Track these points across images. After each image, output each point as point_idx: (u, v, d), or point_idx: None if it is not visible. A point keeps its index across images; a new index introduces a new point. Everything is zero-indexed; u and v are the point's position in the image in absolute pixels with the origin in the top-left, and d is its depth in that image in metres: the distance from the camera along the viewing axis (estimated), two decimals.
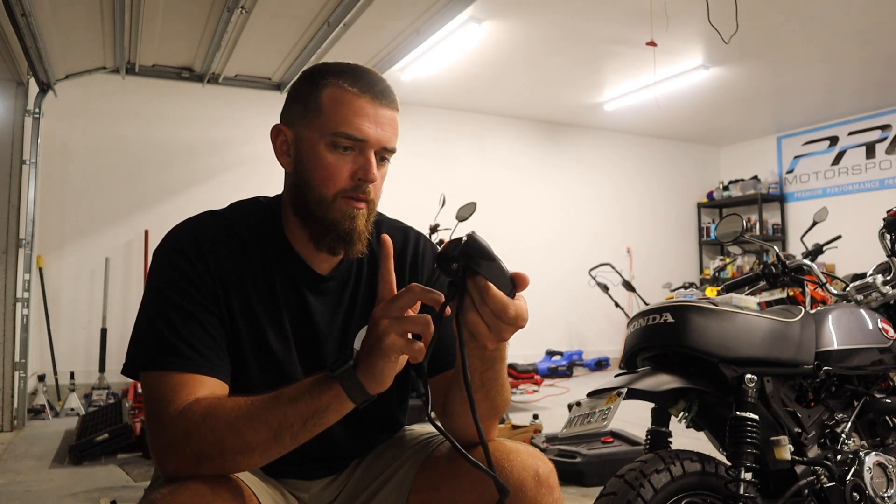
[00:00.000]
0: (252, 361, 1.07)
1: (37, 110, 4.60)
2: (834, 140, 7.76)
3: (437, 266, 0.84)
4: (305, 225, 1.09)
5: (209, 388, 0.97)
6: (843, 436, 1.82)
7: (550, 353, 7.05)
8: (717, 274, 7.84)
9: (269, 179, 6.91)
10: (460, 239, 0.82)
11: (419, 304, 0.89)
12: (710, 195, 8.63)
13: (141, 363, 0.99)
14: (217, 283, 1.04)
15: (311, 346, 1.12)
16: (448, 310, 0.86)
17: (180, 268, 1.02)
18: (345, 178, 1.06)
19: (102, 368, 5.30)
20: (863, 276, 2.21)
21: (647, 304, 1.95)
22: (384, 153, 1.09)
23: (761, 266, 2.26)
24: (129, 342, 1.03)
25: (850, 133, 7.59)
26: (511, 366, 6.43)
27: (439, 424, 0.91)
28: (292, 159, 1.10)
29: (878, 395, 1.95)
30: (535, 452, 1.10)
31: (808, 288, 2.41)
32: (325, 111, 1.05)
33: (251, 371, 1.07)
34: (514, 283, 0.89)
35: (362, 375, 0.87)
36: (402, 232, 1.26)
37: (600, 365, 7.35)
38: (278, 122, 1.13)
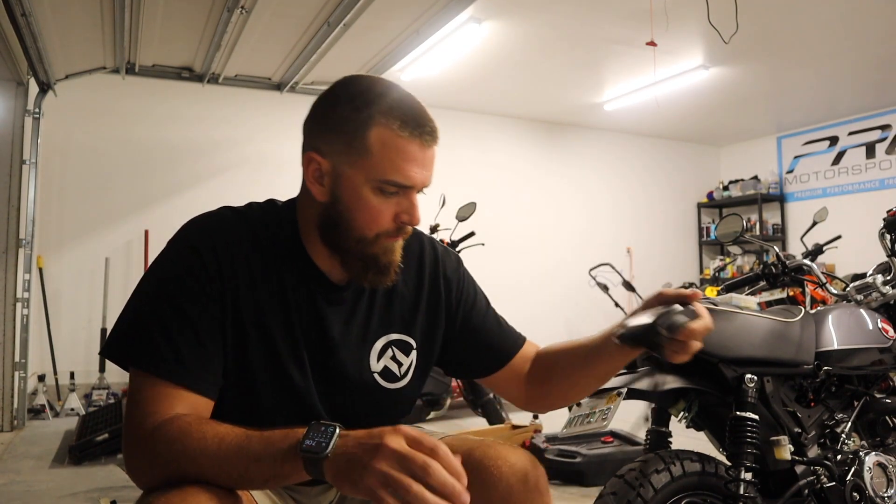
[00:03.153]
0: (260, 365, 1.04)
1: (37, 110, 4.60)
2: (834, 140, 7.76)
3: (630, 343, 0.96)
4: (335, 254, 1.06)
5: (191, 403, 0.94)
6: (843, 436, 1.82)
7: None
8: (717, 274, 7.84)
9: (269, 180, 6.96)
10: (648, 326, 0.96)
11: None
12: (710, 195, 8.63)
13: (127, 356, 0.97)
14: (227, 285, 1.00)
15: (322, 354, 1.08)
16: None
17: (191, 266, 0.99)
18: (388, 221, 1.04)
19: (102, 368, 5.30)
20: (863, 276, 2.21)
21: None
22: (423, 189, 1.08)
23: (761, 266, 2.26)
24: (117, 322, 1.00)
25: (850, 133, 7.59)
26: None
27: None
28: (328, 192, 1.03)
29: (878, 395, 1.95)
30: (525, 456, 1.07)
31: (808, 288, 2.41)
32: (373, 155, 0.99)
33: (258, 375, 1.04)
34: (692, 314, 1.00)
35: (329, 475, 0.81)
36: (414, 237, 1.23)
37: None
38: (312, 150, 1.04)
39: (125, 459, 0.95)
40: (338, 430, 0.83)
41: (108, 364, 5.35)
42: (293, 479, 0.85)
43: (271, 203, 1.13)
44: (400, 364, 1.16)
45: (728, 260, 8.10)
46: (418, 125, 1.02)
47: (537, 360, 1.25)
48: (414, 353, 1.18)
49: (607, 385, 1.68)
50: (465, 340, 1.23)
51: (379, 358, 1.13)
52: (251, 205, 1.12)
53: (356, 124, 0.99)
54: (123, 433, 0.96)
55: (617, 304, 6.69)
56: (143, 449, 0.91)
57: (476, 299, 1.27)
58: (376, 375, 1.13)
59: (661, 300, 1.08)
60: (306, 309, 1.07)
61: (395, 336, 1.15)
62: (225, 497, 0.89)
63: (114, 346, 0.99)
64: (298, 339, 1.06)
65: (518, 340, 1.28)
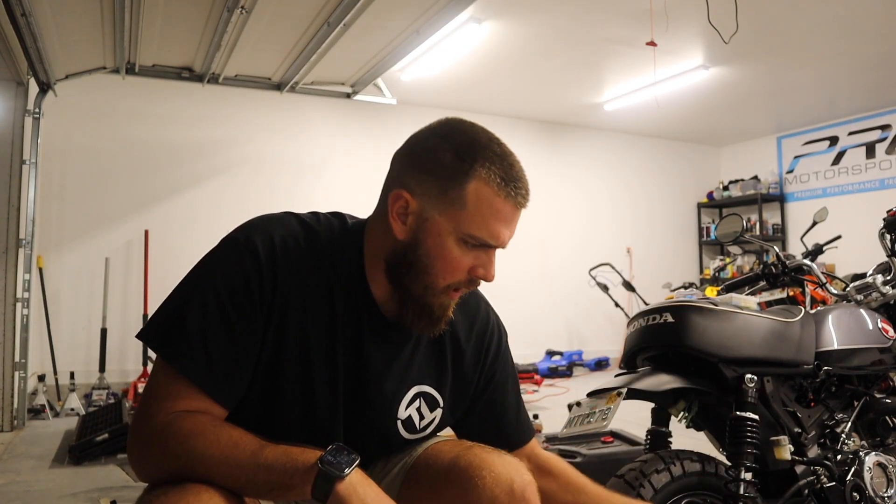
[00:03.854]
0: (292, 383, 1.01)
1: (37, 110, 4.60)
2: (834, 140, 7.76)
3: None
4: (396, 291, 1.03)
5: (207, 408, 0.94)
6: (843, 436, 1.82)
7: (550, 353, 7.05)
8: (717, 274, 7.84)
9: (269, 180, 6.97)
10: None
11: None
12: (710, 195, 8.63)
13: (156, 346, 0.96)
14: (278, 300, 0.98)
15: (357, 387, 1.06)
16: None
17: (244, 269, 0.96)
18: (463, 273, 1.01)
19: (102, 368, 5.30)
20: (863, 276, 2.21)
21: (647, 304, 1.95)
22: None
23: (761, 266, 2.26)
24: (163, 305, 0.99)
25: (850, 133, 7.59)
26: None
27: None
28: (409, 231, 1.00)
29: (878, 395, 1.95)
30: (512, 464, 1.03)
31: (808, 288, 2.41)
32: (467, 208, 0.98)
33: (288, 392, 1.02)
34: None
35: (335, 498, 0.85)
36: (473, 294, 1.21)
37: (600, 365, 7.34)
38: (402, 187, 1.01)
39: (130, 448, 0.95)
40: (358, 460, 0.86)
41: (108, 364, 5.36)
42: (294, 495, 0.87)
43: (340, 220, 1.09)
44: (423, 417, 1.14)
45: (728, 260, 8.10)
46: (516, 187, 1.03)
47: (550, 475, 1.21)
48: (439, 411, 1.15)
49: (607, 385, 1.68)
50: (484, 416, 1.21)
51: (407, 406, 1.11)
52: (318, 217, 1.08)
53: (456, 173, 0.97)
54: (133, 420, 0.96)
55: (617, 304, 6.70)
56: (152, 441, 0.91)
57: (508, 380, 1.25)
58: (399, 423, 1.11)
59: None
60: (352, 337, 1.04)
61: (426, 388, 1.13)
62: (227, 499, 0.90)
63: (152, 330, 0.98)
64: (338, 367, 1.04)
65: (528, 434, 1.26)
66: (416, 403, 1.12)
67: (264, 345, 0.98)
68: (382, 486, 1.11)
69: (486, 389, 1.20)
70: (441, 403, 1.15)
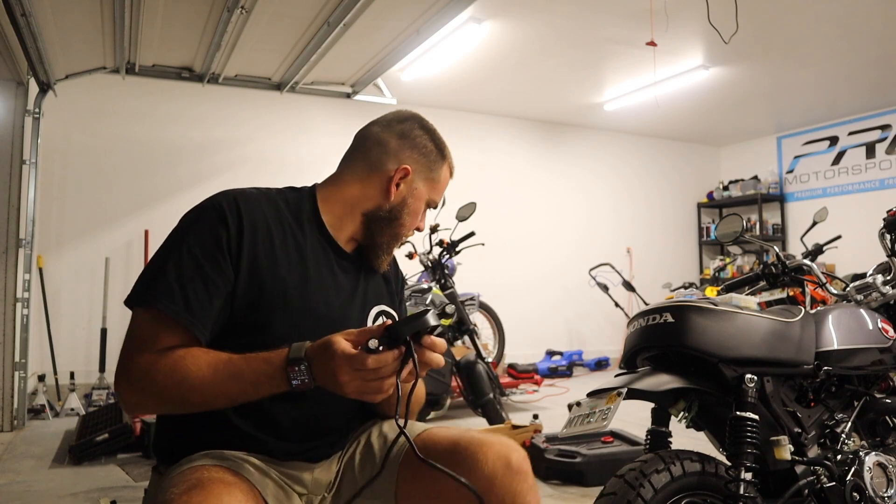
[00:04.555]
0: (273, 310, 1.18)
1: (37, 110, 4.60)
2: (834, 140, 7.76)
3: (388, 339, 0.98)
4: (367, 237, 1.32)
5: (186, 343, 1.09)
6: (843, 436, 1.82)
7: (550, 353, 7.05)
8: (717, 274, 7.84)
9: (269, 179, 6.90)
10: (405, 320, 1.00)
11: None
12: (710, 195, 8.63)
13: (140, 298, 1.11)
14: (246, 244, 1.16)
15: (332, 307, 1.26)
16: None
17: (211, 222, 1.15)
18: (416, 227, 1.38)
19: (102, 368, 5.30)
20: (863, 276, 2.21)
21: (647, 304, 1.96)
22: None
23: (761, 266, 2.26)
24: (140, 276, 1.14)
25: (850, 133, 7.59)
26: (511, 366, 6.43)
27: (412, 442, 1.01)
28: (400, 197, 1.32)
29: (878, 395, 1.95)
30: (507, 442, 1.20)
31: (808, 288, 2.41)
32: (437, 182, 1.38)
33: (270, 319, 1.17)
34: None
35: (318, 380, 1.01)
36: None
37: (600, 365, 7.35)
38: (405, 163, 1.33)
39: (120, 387, 1.07)
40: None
41: (108, 364, 5.36)
42: (276, 383, 1.02)
43: (290, 187, 1.34)
44: None
45: (728, 260, 8.10)
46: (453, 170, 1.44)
47: None
48: None
49: (607, 385, 1.68)
50: None
51: (374, 321, 1.34)
52: (276, 189, 1.32)
53: (437, 158, 1.37)
54: (119, 364, 1.08)
55: (617, 304, 6.70)
56: (141, 377, 1.05)
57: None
58: None
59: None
60: (323, 268, 1.27)
61: (385, 307, 1.38)
62: (241, 493, 1.00)
63: (134, 292, 1.12)
64: (312, 290, 1.23)
65: None
66: (380, 320, 1.34)
67: (237, 281, 1.15)
68: (384, 466, 1.22)
69: (401, 304, 1.49)
70: (396, 317, 1.41)
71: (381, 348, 0.97)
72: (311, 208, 1.29)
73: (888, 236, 2.19)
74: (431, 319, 0.99)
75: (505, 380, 5.69)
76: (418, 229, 1.38)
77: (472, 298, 5.35)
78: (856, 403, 1.91)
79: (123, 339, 1.11)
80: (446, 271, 4.55)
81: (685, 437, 2.10)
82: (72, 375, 5.07)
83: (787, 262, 2.23)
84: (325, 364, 0.99)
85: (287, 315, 1.18)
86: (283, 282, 1.19)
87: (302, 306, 1.20)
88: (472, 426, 4.24)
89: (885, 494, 1.77)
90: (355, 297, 1.31)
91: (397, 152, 1.32)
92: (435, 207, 1.41)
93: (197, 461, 1.11)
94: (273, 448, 1.20)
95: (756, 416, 1.62)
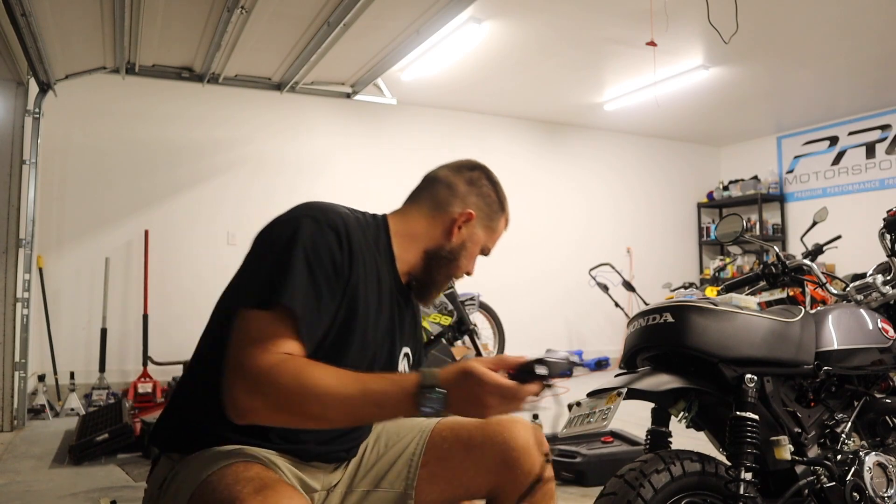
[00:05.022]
0: (356, 337, 1.24)
1: (37, 110, 4.60)
2: (834, 140, 7.76)
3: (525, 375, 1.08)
4: (423, 272, 1.38)
5: (296, 350, 1.09)
6: (843, 436, 1.82)
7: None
8: (717, 274, 7.84)
9: (269, 180, 6.96)
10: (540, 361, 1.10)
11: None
12: (710, 195, 8.63)
13: (254, 299, 1.10)
14: (352, 272, 1.21)
15: (391, 342, 1.35)
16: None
17: (328, 243, 1.17)
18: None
19: (102, 368, 5.30)
20: (863, 276, 2.21)
21: (647, 304, 1.95)
22: None
23: (761, 266, 2.26)
24: (252, 275, 1.16)
25: (850, 133, 7.59)
26: None
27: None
28: (461, 239, 1.39)
29: (878, 395, 1.95)
30: (526, 423, 1.40)
31: (808, 288, 2.41)
32: (495, 231, 1.46)
33: (350, 344, 1.23)
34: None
35: (450, 408, 1.06)
36: None
37: (600, 365, 7.34)
38: (470, 208, 1.40)
39: (234, 388, 1.04)
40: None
41: (108, 364, 5.36)
42: (399, 410, 1.06)
43: (364, 213, 1.36)
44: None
45: (728, 260, 8.10)
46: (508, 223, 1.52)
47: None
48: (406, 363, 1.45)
49: (607, 385, 1.68)
50: None
51: (401, 361, 1.42)
52: (352, 209, 1.33)
53: (497, 210, 1.45)
54: (233, 365, 1.05)
55: (617, 304, 6.69)
56: (262, 378, 1.03)
57: None
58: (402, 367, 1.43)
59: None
60: (391, 302, 1.33)
61: (407, 350, 1.44)
62: (302, 499, 1.04)
63: (251, 292, 1.13)
64: (382, 325, 1.31)
65: None
66: (404, 362, 1.42)
67: (340, 305, 1.20)
68: (406, 451, 1.38)
69: (418, 327, 1.55)
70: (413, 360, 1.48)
71: (528, 380, 1.07)
72: (385, 239, 1.34)
73: (888, 236, 2.19)
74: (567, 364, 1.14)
75: None
76: (468, 273, 1.44)
77: (472, 298, 5.35)
78: (856, 403, 1.91)
79: (232, 340, 1.08)
80: None
81: (685, 437, 2.10)
82: (72, 375, 5.07)
83: (787, 262, 2.23)
84: (469, 390, 1.05)
85: (360, 340, 1.25)
86: (367, 309, 1.25)
87: (374, 335, 1.28)
88: None
89: (885, 494, 1.77)
90: (394, 331, 1.37)
91: (464, 197, 1.40)
92: (487, 254, 1.47)
93: (234, 457, 1.11)
94: (303, 451, 1.24)
95: (756, 416, 1.62)
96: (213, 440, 1.17)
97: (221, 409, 1.10)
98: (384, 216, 1.39)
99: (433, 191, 1.41)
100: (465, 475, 1.34)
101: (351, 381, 1.05)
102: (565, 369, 1.11)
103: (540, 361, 1.09)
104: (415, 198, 1.43)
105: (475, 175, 1.43)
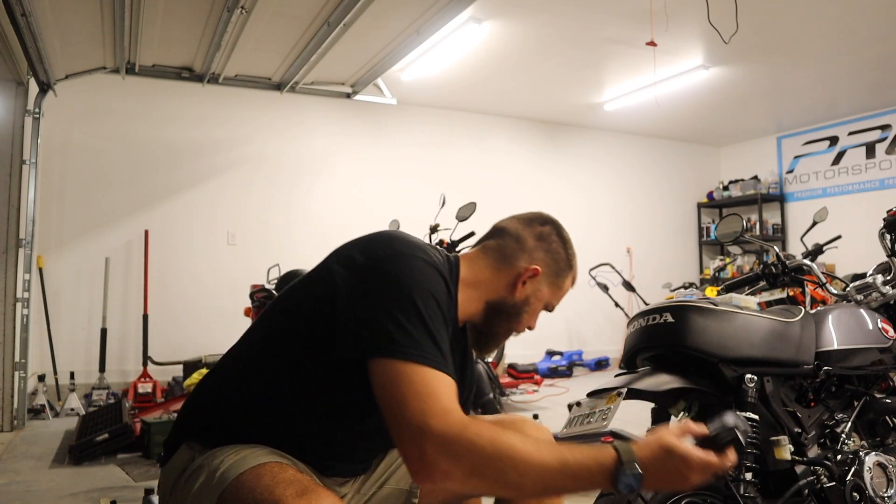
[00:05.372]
0: None
1: (37, 110, 4.60)
2: (834, 140, 7.76)
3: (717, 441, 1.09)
4: (483, 323, 1.35)
5: (456, 402, 1.08)
6: (843, 436, 1.82)
7: (550, 353, 7.05)
8: (717, 274, 7.84)
9: (269, 180, 6.95)
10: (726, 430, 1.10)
11: None
12: (710, 195, 8.63)
13: (401, 351, 1.05)
14: (451, 313, 1.22)
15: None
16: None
17: (440, 285, 1.17)
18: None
19: (102, 368, 5.31)
20: (863, 276, 2.21)
21: (647, 304, 1.95)
22: None
23: (761, 266, 2.26)
24: (380, 320, 1.08)
25: (850, 133, 7.59)
26: (511, 366, 6.44)
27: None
28: (524, 294, 1.36)
29: (878, 395, 1.95)
30: (537, 424, 1.46)
31: (808, 288, 2.41)
32: (560, 289, 1.42)
33: None
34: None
35: (647, 485, 1.05)
36: None
37: (600, 365, 7.34)
38: (537, 264, 1.37)
39: (437, 458, 1.00)
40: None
41: (108, 364, 5.36)
42: (598, 484, 1.06)
43: (445, 257, 1.33)
44: None
45: (728, 260, 8.10)
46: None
47: None
48: None
49: (607, 385, 1.68)
50: None
51: None
52: (438, 250, 1.31)
53: (565, 268, 1.41)
54: (416, 428, 1.00)
55: (617, 304, 6.69)
56: (454, 439, 0.99)
57: None
58: None
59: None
60: (457, 347, 1.30)
61: None
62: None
63: (383, 341, 1.07)
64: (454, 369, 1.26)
65: None
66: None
67: None
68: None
69: None
70: None
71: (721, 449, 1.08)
72: (455, 287, 1.31)
73: (888, 236, 2.19)
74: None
75: (505, 380, 5.69)
76: (529, 328, 1.41)
77: None
78: (856, 403, 1.91)
79: (394, 397, 1.04)
80: None
81: None
82: (72, 375, 5.07)
83: (787, 262, 2.23)
84: (673, 467, 1.04)
85: None
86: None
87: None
88: None
89: (885, 494, 1.77)
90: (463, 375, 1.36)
91: (532, 251, 1.37)
92: (551, 311, 1.45)
93: (263, 457, 1.09)
94: (328, 467, 1.25)
95: (756, 416, 1.62)
96: (241, 438, 1.15)
97: (260, 409, 1.12)
98: (457, 258, 1.36)
99: (501, 242, 1.38)
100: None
101: (548, 451, 1.02)
102: (741, 431, 1.10)
103: (721, 429, 1.09)
104: (483, 246, 1.40)
105: (545, 230, 1.41)
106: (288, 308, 1.25)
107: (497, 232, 1.41)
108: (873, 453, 1.80)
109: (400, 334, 1.07)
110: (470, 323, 1.37)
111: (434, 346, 1.08)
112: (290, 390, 1.17)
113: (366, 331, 1.08)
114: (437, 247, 1.39)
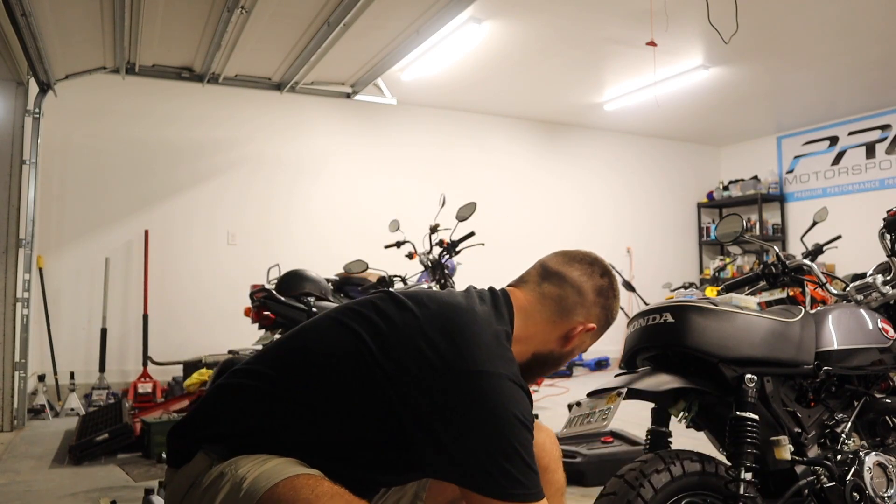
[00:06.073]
0: None
1: (37, 110, 4.60)
2: (834, 140, 7.76)
3: None
4: (527, 368, 1.31)
5: None
6: (843, 436, 1.82)
7: None
8: (717, 274, 7.84)
9: (269, 180, 6.95)
10: None
11: None
12: (710, 195, 8.63)
13: (518, 494, 1.08)
14: None
15: None
16: None
17: (527, 403, 1.17)
18: None
19: (102, 368, 5.31)
20: (863, 276, 2.21)
21: (647, 304, 1.95)
22: None
23: (761, 266, 2.26)
24: (501, 464, 1.08)
25: (850, 133, 7.59)
26: None
27: None
28: (573, 345, 1.36)
29: (878, 395, 1.95)
30: (540, 423, 1.44)
31: (808, 288, 2.41)
32: (599, 337, 1.41)
33: None
34: None
35: None
36: None
37: (600, 365, 7.34)
38: (591, 320, 1.36)
39: None
40: None
41: (108, 364, 5.36)
42: None
43: (498, 311, 1.27)
44: None
45: (728, 260, 8.10)
46: None
47: None
48: None
49: (607, 385, 1.68)
50: None
51: None
52: (495, 315, 1.25)
53: (612, 320, 1.41)
54: None
55: None
56: None
57: None
58: None
59: None
60: None
61: None
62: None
63: (506, 486, 1.08)
64: None
65: None
66: None
67: None
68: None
69: None
70: None
71: None
72: (508, 344, 1.27)
73: (888, 236, 2.19)
74: None
75: None
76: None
77: None
78: (856, 403, 1.91)
79: None
80: (446, 271, 4.55)
81: (685, 437, 2.10)
82: (72, 375, 5.07)
83: (787, 262, 2.22)
84: None
85: None
86: None
87: None
88: None
89: (885, 494, 1.76)
90: None
91: (591, 307, 1.35)
92: (585, 352, 1.45)
93: (294, 468, 1.06)
94: (353, 487, 1.21)
95: (756, 416, 1.62)
96: (267, 449, 1.12)
97: (301, 425, 1.12)
98: (512, 313, 1.30)
99: (562, 294, 1.33)
100: None
101: None
102: None
103: None
104: (540, 293, 1.34)
105: (604, 285, 1.38)
106: (336, 363, 1.17)
107: (556, 278, 1.35)
108: (873, 453, 1.80)
109: (506, 479, 1.08)
110: None
111: (532, 474, 1.10)
112: (337, 424, 1.14)
113: (465, 465, 1.09)
114: (494, 297, 1.31)
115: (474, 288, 1.35)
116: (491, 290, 1.34)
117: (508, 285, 1.40)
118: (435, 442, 1.09)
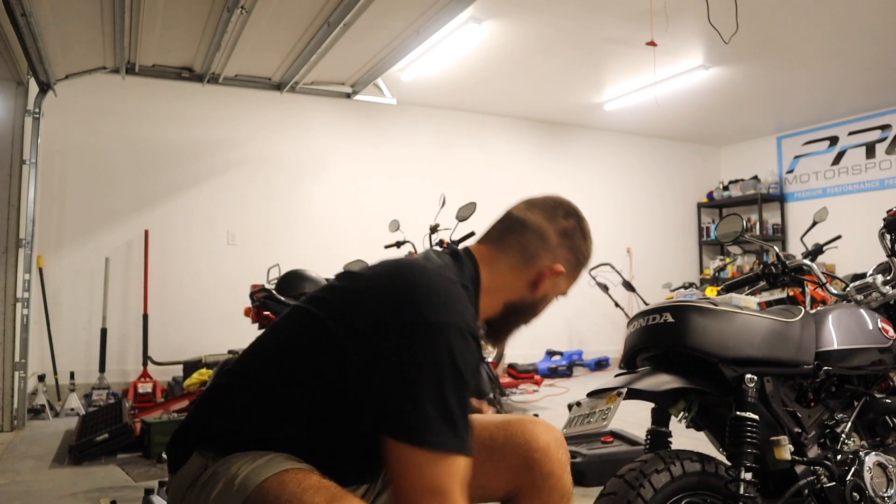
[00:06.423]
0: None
1: (37, 110, 4.60)
2: (834, 140, 7.76)
3: None
4: (502, 320, 1.32)
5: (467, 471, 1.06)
6: (843, 436, 1.82)
7: (550, 353, 7.05)
8: (717, 274, 7.84)
9: (270, 180, 6.94)
10: None
11: None
12: (710, 195, 8.63)
13: (417, 437, 1.01)
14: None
15: None
16: None
17: (473, 351, 1.10)
18: None
19: (102, 368, 5.31)
20: (863, 276, 2.21)
21: (647, 304, 1.96)
22: None
23: (761, 266, 2.26)
24: (420, 408, 1.02)
25: (850, 133, 7.59)
26: (511, 366, 6.43)
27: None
28: (544, 291, 1.33)
29: (878, 395, 1.95)
30: (547, 424, 1.40)
31: (808, 288, 2.41)
32: (576, 279, 1.38)
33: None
34: None
35: None
36: None
37: (600, 365, 7.34)
38: (560, 262, 1.33)
39: None
40: None
41: (108, 364, 5.36)
42: None
43: (462, 269, 1.26)
44: None
45: (728, 260, 8.10)
46: None
47: None
48: None
49: (607, 385, 1.68)
50: None
51: None
52: (452, 267, 1.24)
53: (585, 260, 1.38)
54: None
55: (617, 304, 6.69)
56: None
57: None
58: None
59: None
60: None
61: None
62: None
63: (421, 429, 1.02)
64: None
65: None
66: None
67: None
68: None
69: None
70: None
71: None
72: (475, 299, 1.26)
73: (888, 236, 2.19)
74: None
75: (505, 380, 5.69)
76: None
77: None
78: (856, 403, 1.91)
79: (402, 486, 1.02)
80: None
81: (685, 437, 2.10)
82: (72, 375, 5.07)
83: (787, 262, 2.22)
84: None
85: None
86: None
87: None
88: None
89: (885, 494, 1.77)
90: None
91: (555, 249, 1.32)
92: (565, 296, 1.41)
93: (283, 463, 1.06)
94: (345, 472, 1.19)
95: (756, 416, 1.62)
96: (256, 445, 1.12)
97: (278, 417, 1.09)
98: (476, 267, 1.28)
99: (523, 239, 1.31)
100: (483, 475, 1.29)
101: None
102: None
103: None
104: (501, 242, 1.32)
105: (569, 226, 1.34)
106: (322, 322, 1.15)
107: (517, 224, 1.32)
108: (873, 453, 1.80)
109: (420, 419, 1.01)
110: (486, 321, 1.33)
111: (466, 430, 1.05)
112: (309, 409, 1.13)
113: (384, 408, 1.04)
114: (454, 255, 1.28)
115: (433, 251, 1.33)
116: (452, 249, 1.32)
117: (475, 243, 1.37)
118: (370, 394, 1.06)
